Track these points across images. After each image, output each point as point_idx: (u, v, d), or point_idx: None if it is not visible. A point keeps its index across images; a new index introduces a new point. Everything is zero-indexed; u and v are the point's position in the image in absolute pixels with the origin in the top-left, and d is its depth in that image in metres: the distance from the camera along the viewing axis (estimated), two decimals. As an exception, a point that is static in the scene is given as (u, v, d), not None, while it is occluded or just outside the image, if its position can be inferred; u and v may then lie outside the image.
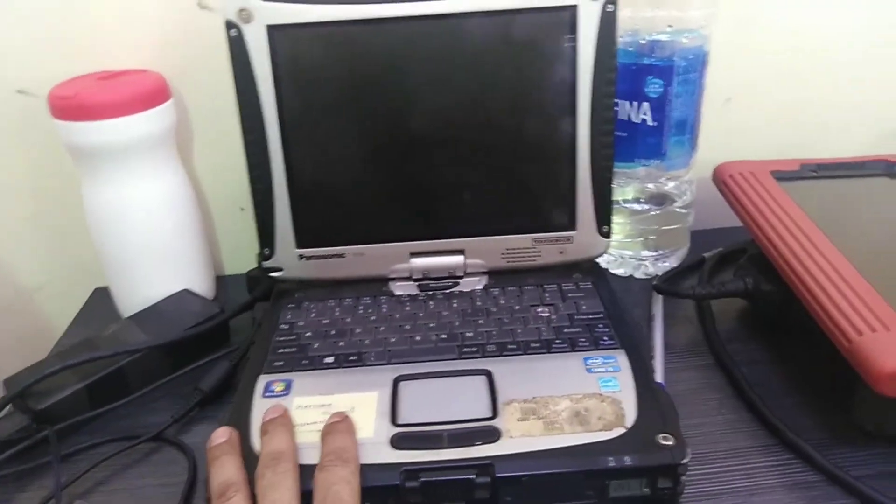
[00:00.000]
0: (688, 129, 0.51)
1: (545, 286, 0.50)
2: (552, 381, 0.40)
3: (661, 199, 0.55)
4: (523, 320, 0.46)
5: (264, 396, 0.40)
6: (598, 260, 0.54)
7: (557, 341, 0.44)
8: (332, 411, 0.38)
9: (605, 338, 0.44)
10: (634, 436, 0.36)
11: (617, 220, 0.54)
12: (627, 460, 0.35)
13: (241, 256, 0.60)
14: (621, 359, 0.42)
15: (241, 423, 0.38)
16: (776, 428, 0.41)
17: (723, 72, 0.57)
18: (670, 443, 0.35)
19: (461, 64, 0.46)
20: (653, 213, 0.54)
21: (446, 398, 0.39)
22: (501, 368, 0.42)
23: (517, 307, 0.48)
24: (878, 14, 0.57)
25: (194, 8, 0.51)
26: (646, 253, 0.55)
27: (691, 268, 0.55)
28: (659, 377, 0.45)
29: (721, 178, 0.53)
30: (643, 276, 0.56)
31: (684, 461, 0.35)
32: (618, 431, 0.36)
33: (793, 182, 0.52)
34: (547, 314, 0.47)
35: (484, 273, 0.51)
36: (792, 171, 0.53)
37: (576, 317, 0.46)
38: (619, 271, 0.56)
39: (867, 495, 0.36)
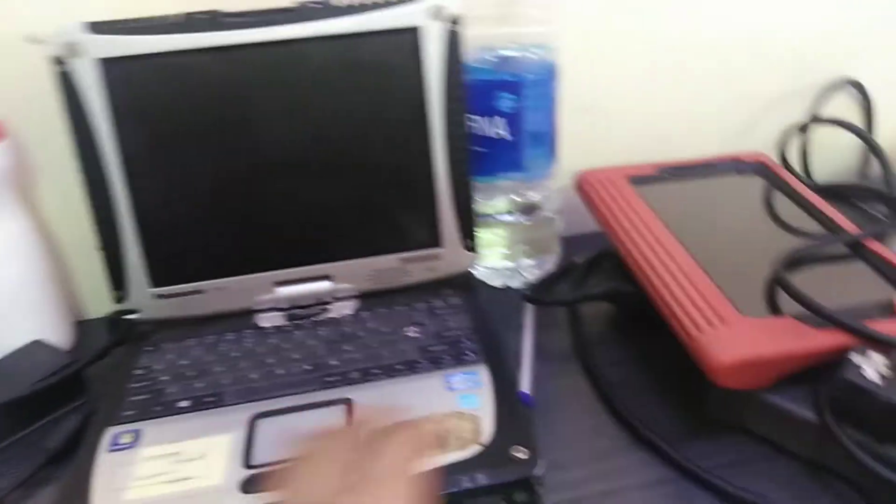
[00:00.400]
0: (544, 141, 0.52)
1: (415, 305, 0.50)
2: (413, 403, 0.40)
3: (530, 209, 0.55)
4: (391, 342, 0.46)
5: (110, 451, 0.38)
6: (478, 273, 0.55)
7: (421, 362, 0.44)
8: (183, 459, 0.36)
9: (469, 353, 0.44)
10: (490, 452, 0.36)
11: (489, 233, 0.55)
12: (481, 478, 0.35)
13: (106, 298, 0.57)
14: (483, 374, 0.42)
15: (81, 483, 0.36)
16: (633, 427, 0.42)
17: (582, 82, 0.59)
18: (524, 456, 0.36)
19: (306, 90, 0.45)
20: (522, 223, 0.55)
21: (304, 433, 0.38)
22: (363, 395, 0.41)
23: (386, 329, 0.47)
24: (725, 22, 0.60)
25: (23, 42, 0.48)
26: (520, 263, 0.56)
27: (564, 274, 0.56)
28: (525, 387, 0.45)
29: (581, 186, 0.55)
30: (520, 286, 0.57)
31: (538, 473, 0.35)
32: (474, 449, 0.36)
33: (648, 185, 0.54)
34: (415, 334, 0.47)
35: (354, 297, 0.50)
36: (648, 175, 0.55)
37: (443, 334, 0.46)
38: (497, 283, 0.57)
39: (715, 485, 0.37)
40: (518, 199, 0.54)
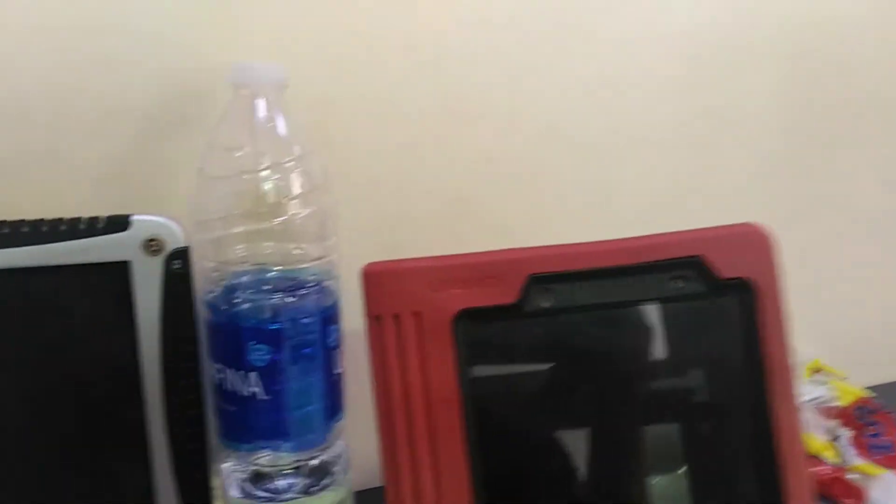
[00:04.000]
0: (318, 399, 0.40)
1: None
2: None
3: (314, 474, 0.42)
4: None
5: None
6: None
7: None
8: None
9: None
10: None
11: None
12: None
13: None
14: None
15: None
16: None
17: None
18: None
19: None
20: (300, 496, 0.41)
21: None
22: None
23: None
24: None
25: None
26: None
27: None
28: None
29: (367, 301, 0.32)
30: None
31: None
32: None
33: (490, 325, 0.27)
34: None
35: None
36: (503, 304, 0.31)
37: None
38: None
39: None
40: (289, 469, 0.41)
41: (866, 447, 0.45)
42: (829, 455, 0.44)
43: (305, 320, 0.38)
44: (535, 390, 0.27)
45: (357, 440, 0.45)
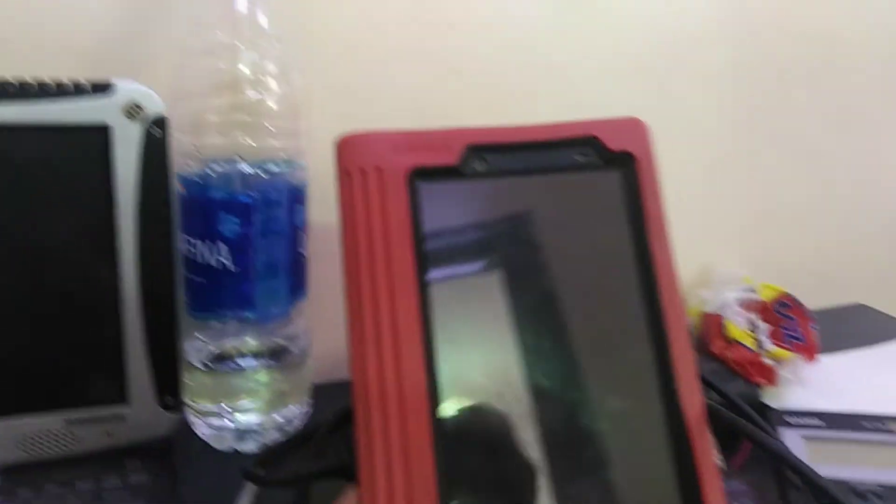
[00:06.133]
0: (282, 274, 0.43)
1: (77, 485, 0.37)
2: None
3: (272, 353, 0.45)
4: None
5: None
6: (204, 435, 0.43)
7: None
8: None
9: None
10: None
11: (211, 381, 0.43)
12: None
13: None
14: None
15: None
16: None
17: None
18: None
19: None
20: (258, 369, 0.44)
21: None
22: None
23: (14, 524, 0.34)
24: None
25: None
26: (254, 419, 0.45)
27: (307, 438, 0.46)
28: None
29: (340, 168, 0.33)
30: (254, 450, 0.45)
31: None
32: None
33: (437, 183, 0.32)
34: (53, 532, 0.33)
35: (-7, 470, 0.37)
36: (445, 165, 0.32)
37: (97, 532, 0.34)
38: (223, 446, 0.45)
39: None
40: (252, 342, 0.44)
41: (781, 337, 0.50)
42: (748, 342, 0.49)
43: (275, 196, 0.41)
44: (474, 235, 0.31)
45: (319, 336, 0.48)
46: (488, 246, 0.31)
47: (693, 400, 0.29)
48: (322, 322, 0.47)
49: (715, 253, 0.66)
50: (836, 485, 0.37)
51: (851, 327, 0.69)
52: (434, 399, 0.28)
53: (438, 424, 0.28)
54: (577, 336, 0.30)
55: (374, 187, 0.31)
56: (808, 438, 0.42)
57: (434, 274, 0.29)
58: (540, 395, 0.30)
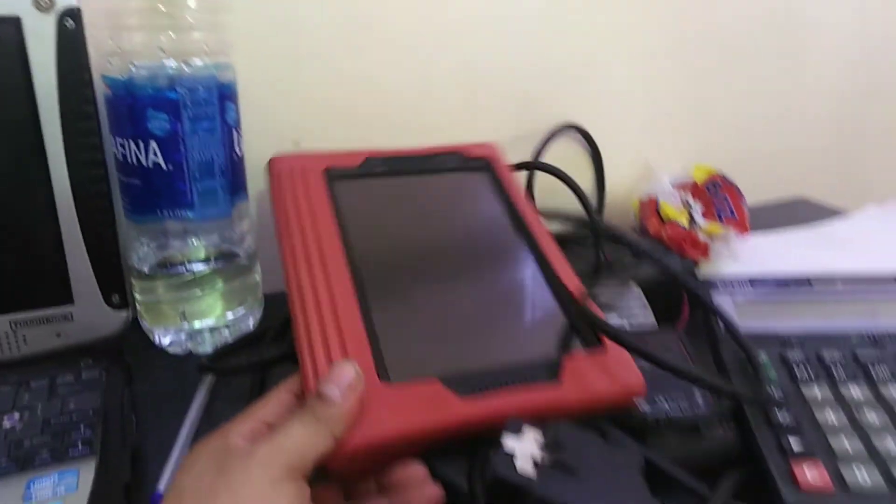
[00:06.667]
0: (219, 172, 0.43)
1: (31, 383, 0.38)
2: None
3: (221, 254, 0.46)
4: (-32, 437, 0.33)
5: None
6: (165, 342, 0.44)
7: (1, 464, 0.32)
8: None
9: (80, 445, 0.33)
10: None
11: (160, 286, 0.44)
12: None
13: None
14: (86, 473, 0.31)
15: None
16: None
17: (290, 113, 0.51)
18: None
19: None
20: (206, 271, 0.45)
21: None
22: None
23: (-32, 419, 0.35)
24: (445, 61, 0.56)
25: None
26: (207, 323, 0.46)
27: (257, 336, 0.47)
28: (164, 483, 0.35)
29: (270, 176, 0.44)
30: (209, 352, 0.46)
31: None
32: None
33: (348, 181, 0.44)
34: (9, 423, 0.35)
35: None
36: (352, 167, 0.45)
37: (52, 421, 0.35)
38: (178, 349, 0.46)
39: None
40: (198, 244, 0.44)
41: (714, 214, 0.52)
42: (682, 220, 0.51)
43: (203, 93, 0.40)
44: (375, 218, 0.43)
45: (267, 252, 0.48)
46: (393, 214, 0.43)
47: (573, 282, 0.39)
48: (268, 235, 0.47)
49: (658, 156, 0.68)
50: (761, 337, 0.40)
51: (791, 219, 0.72)
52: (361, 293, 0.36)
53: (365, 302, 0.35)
54: (474, 262, 0.40)
55: (299, 181, 0.42)
56: (738, 301, 0.44)
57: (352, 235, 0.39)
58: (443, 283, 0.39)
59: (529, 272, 0.40)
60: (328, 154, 0.46)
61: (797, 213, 0.76)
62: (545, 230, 0.42)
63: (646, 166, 0.64)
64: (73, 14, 0.36)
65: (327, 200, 0.41)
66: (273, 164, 0.44)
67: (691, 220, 0.51)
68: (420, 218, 0.43)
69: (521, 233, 0.42)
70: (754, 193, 0.64)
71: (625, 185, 0.64)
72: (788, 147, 0.78)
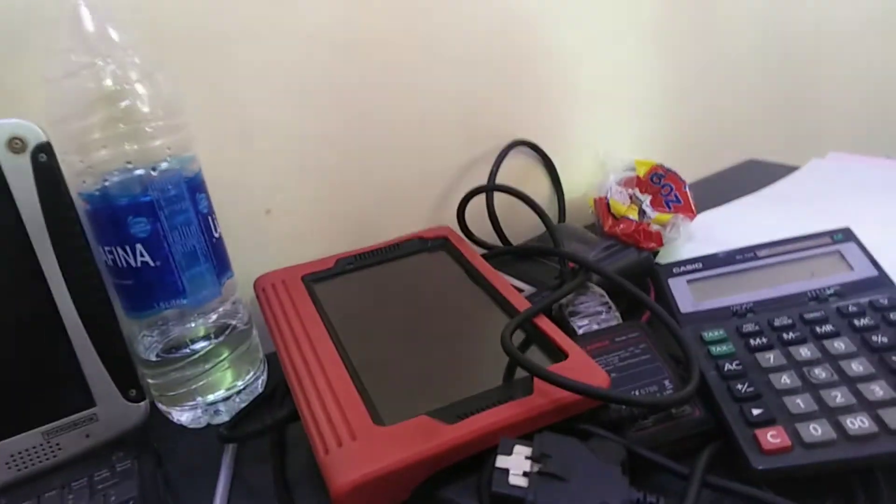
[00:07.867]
0: (203, 258, 0.47)
1: (73, 485, 0.41)
2: None
3: (220, 329, 0.49)
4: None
5: None
6: (179, 421, 0.48)
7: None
8: None
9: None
10: None
11: (170, 370, 0.48)
12: None
13: None
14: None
15: None
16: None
17: (261, 182, 0.55)
18: None
19: None
20: (211, 347, 0.48)
21: None
22: None
23: (24, 530, 0.38)
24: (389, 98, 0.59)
25: None
26: (219, 394, 0.50)
27: (267, 396, 0.50)
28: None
29: (257, 293, 0.51)
30: (225, 420, 0.50)
31: None
32: None
33: (324, 282, 0.52)
34: (61, 526, 0.38)
35: (-9, 493, 0.41)
36: (326, 269, 0.52)
37: (99, 516, 0.38)
38: (199, 424, 0.50)
39: None
40: (195, 324, 0.48)
41: (662, 203, 0.56)
42: (632, 214, 0.55)
43: (174, 191, 0.44)
44: (353, 306, 0.50)
45: (259, 317, 0.52)
46: (367, 298, 0.50)
47: (520, 302, 0.46)
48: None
49: (613, 143, 0.72)
50: (718, 312, 0.44)
51: (740, 182, 0.76)
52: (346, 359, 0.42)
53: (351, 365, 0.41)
54: (444, 320, 0.47)
55: (282, 290, 0.50)
56: (691, 282, 0.48)
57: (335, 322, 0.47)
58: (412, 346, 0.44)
59: (494, 315, 0.46)
60: (303, 265, 0.54)
61: (750, 174, 0.80)
62: (504, 281, 0.49)
63: (600, 165, 0.68)
64: (45, 148, 0.39)
65: (309, 300, 0.48)
66: (259, 282, 0.52)
67: (642, 212, 0.55)
68: (392, 296, 0.50)
69: (483, 287, 0.49)
70: (709, 166, 0.68)
71: (585, 184, 0.68)
72: (730, 117, 0.82)
